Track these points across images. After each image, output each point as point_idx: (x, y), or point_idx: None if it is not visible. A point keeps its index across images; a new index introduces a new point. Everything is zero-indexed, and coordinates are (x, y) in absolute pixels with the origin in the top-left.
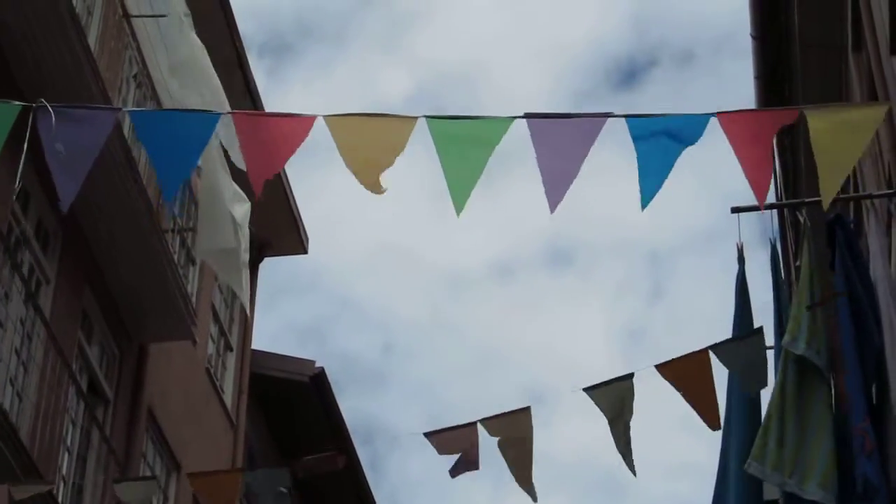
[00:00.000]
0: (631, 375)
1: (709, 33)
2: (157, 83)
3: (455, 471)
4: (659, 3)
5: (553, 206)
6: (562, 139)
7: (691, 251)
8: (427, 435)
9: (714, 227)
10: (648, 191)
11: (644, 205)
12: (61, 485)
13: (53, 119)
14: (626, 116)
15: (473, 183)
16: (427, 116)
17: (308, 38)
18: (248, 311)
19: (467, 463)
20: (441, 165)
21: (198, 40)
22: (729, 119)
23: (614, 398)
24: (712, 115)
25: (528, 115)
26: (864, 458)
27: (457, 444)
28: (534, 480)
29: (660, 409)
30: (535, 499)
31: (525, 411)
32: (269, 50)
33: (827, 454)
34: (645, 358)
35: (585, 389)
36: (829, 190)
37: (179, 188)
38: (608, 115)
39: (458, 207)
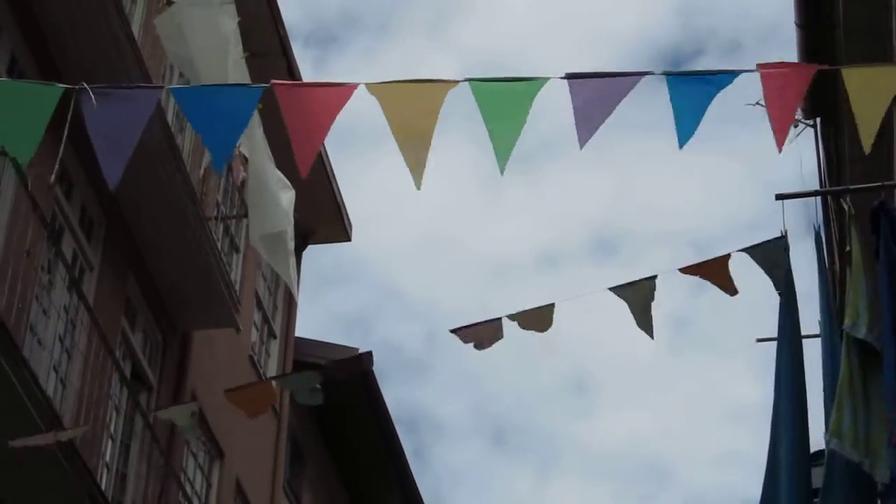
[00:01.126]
0: (654, 277)
1: (755, 23)
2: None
3: (479, 345)
4: None
5: (582, 141)
6: (598, 93)
7: (736, 241)
8: (453, 331)
9: (758, 217)
10: (685, 130)
11: (681, 143)
12: (104, 472)
13: (94, 101)
14: (665, 74)
15: (516, 136)
16: (470, 79)
17: (353, 28)
18: (296, 298)
19: (493, 337)
20: (483, 121)
21: (234, 28)
22: (768, 72)
23: (638, 295)
24: (753, 70)
25: (569, 76)
26: (890, 450)
27: (482, 335)
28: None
29: (704, 399)
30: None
31: (549, 307)
32: (315, 41)
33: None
34: (690, 347)
35: (611, 288)
36: (867, 131)
37: (229, 156)
38: (647, 73)
39: (502, 162)
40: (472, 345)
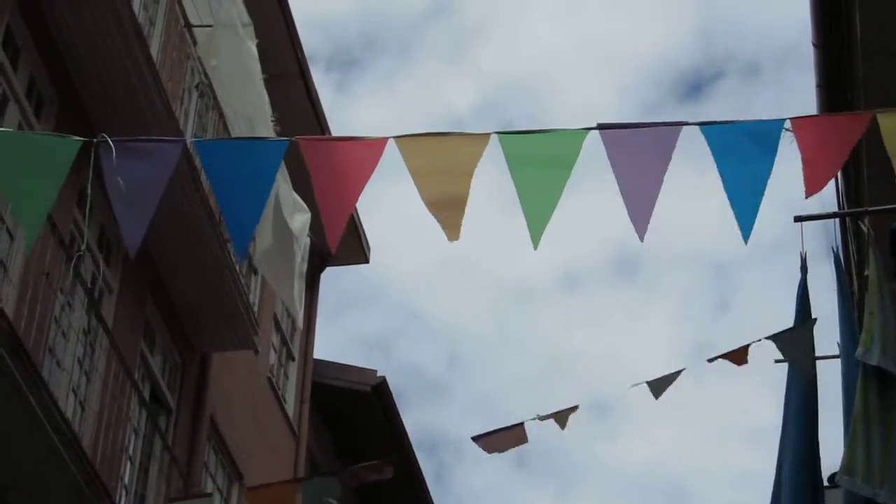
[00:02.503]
0: (681, 371)
1: (774, 45)
2: (219, 94)
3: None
4: (725, 15)
5: (641, 232)
6: (637, 152)
7: (757, 263)
8: (475, 439)
9: (779, 239)
10: (746, 218)
11: (745, 236)
12: (123, 494)
13: (114, 155)
14: (699, 124)
15: (551, 211)
16: (498, 133)
17: (374, 52)
18: (298, 321)
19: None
20: (517, 193)
21: (254, 51)
22: (801, 124)
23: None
24: (785, 119)
25: (600, 126)
26: None
27: (504, 444)
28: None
29: (724, 420)
30: None
31: (573, 409)
32: (336, 64)
33: None
34: (710, 370)
35: (647, 382)
36: None
37: (251, 238)
38: (682, 123)
39: (535, 239)
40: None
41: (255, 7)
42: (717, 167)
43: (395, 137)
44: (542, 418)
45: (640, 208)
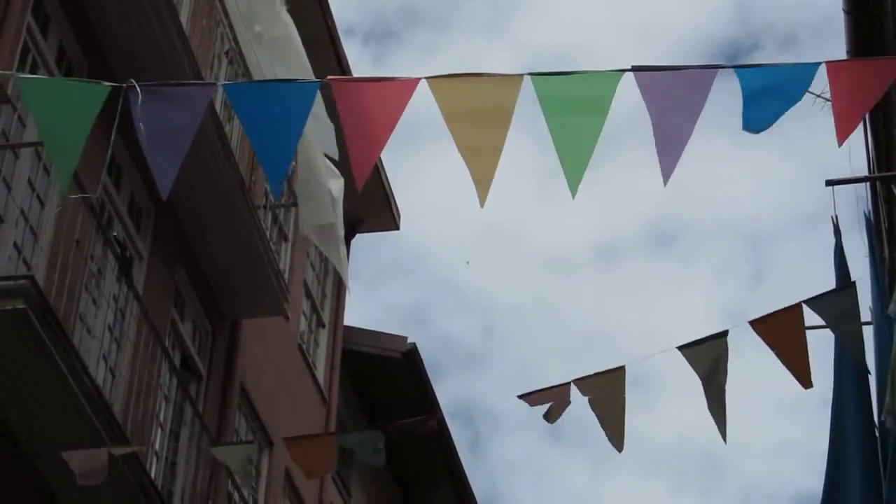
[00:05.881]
0: (725, 333)
1: (811, 16)
2: (249, 61)
3: (550, 416)
4: None
5: (666, 175)
6: (672, 96)
7: (793, 234)
8: (521, 397)
9: (815, 209)
10: (755, 120)
11: (752, 129)
12: (154, 461)
13: (140, 100)
14: (734, 67)
15: (588, 156)
16: (531, 74)
17: (412, 24)
18: (347, 284)
19: (560, 406)
20: (552, 138)
21: (289, 18)
22: (836, 68)
23: (709, 358)
24: (821, 63)
25: (635, 69)
26: None
27: (548, 400)
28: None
29: (759, 389)
30: (620, 450)
31: (619, 371)
32: (374, 38)
33: None
34: (746, 340)
35: (679, 348)
36: None
37: (285, 174)
38: (717, 66)
39: (574, 186)
40: (540, 412)
41: None
42: (743, 106)
43: (427, 78)
44: (585, 378)
45: (670, 152)
